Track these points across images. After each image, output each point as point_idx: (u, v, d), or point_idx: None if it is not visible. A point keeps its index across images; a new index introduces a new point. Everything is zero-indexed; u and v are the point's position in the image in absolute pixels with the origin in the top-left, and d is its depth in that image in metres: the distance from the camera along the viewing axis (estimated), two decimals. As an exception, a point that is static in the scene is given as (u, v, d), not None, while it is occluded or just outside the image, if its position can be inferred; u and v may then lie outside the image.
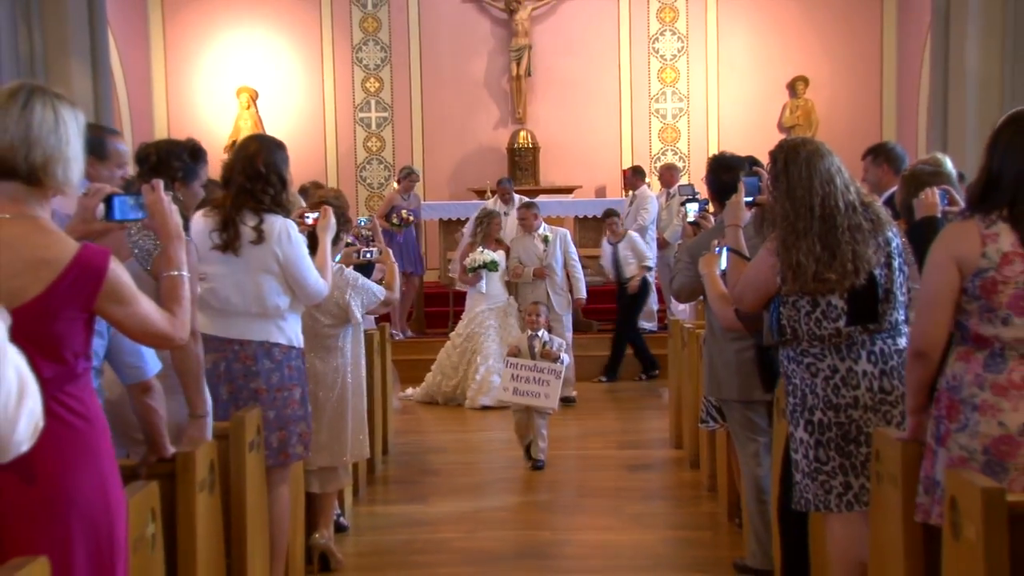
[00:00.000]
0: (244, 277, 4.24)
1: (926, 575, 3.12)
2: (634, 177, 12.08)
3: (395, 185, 12.01)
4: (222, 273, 4.24)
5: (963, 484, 2.72)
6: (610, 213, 11.11)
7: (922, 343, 3.05)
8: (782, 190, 3.66)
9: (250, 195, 4.24)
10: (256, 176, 4.24)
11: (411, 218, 11.36)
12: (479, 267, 9.67)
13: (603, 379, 10.82)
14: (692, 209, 5.81)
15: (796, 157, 3.67)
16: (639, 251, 10.73)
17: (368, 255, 5.90)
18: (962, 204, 4.06)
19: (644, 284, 10.67)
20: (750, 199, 4.23)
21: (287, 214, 4.35)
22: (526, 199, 11.28)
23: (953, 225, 3.03)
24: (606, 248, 11.05)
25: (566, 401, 8.95)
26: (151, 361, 3.24)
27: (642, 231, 11.64)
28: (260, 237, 4.21)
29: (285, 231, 4.26)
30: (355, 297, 5.17)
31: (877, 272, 3.61)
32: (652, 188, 12.42)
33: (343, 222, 5.12)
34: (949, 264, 2.95)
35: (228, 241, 4.22)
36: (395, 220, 11.12)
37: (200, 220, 4.27)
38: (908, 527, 3.15)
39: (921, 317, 3.06)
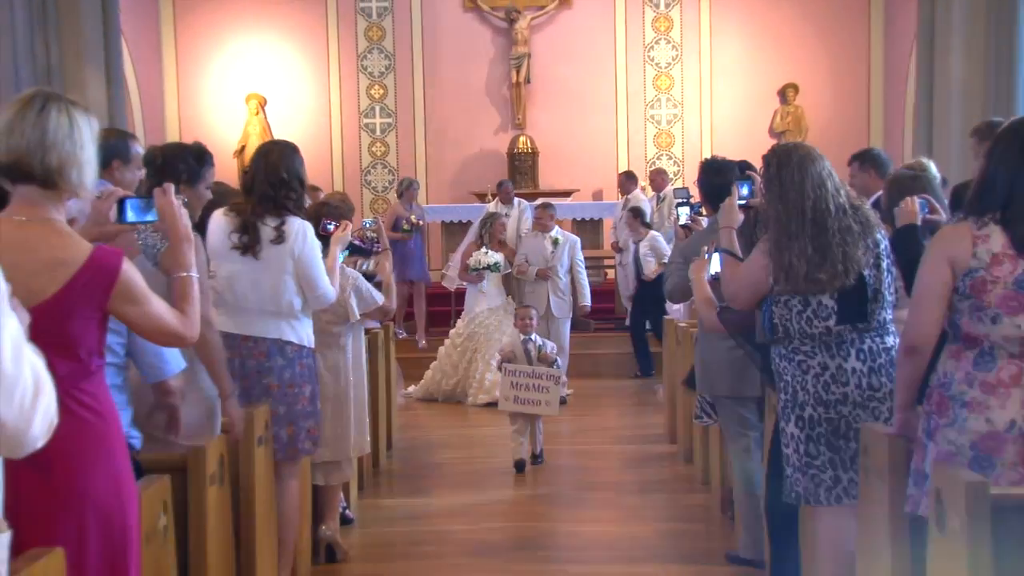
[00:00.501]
0: (262, 276, 4.25)
1: (912, 566, 3.11)
2: (627, 181, 12.06)
3: (397, 198, 11.77)
4: (240, 271, 4.25)
5: (948, 477, 2.72)
6: (636, 213, 10.84)
7: (914, 339, 3.04)
8: (775, 193, 3.66)
9: (273, 201, 4.25)
10: (280, 183, 4.26)
11: (420, 222, 11.20)
12: (483, 269, 9.64)
13: (639, 374, 10.81)
14: (684, 212, 5.82)
15: (788, 161, 3.66)
16: (659, 250, 10.50)
17: (365, 266, 5.81)
18: (943, 212, 4.06)
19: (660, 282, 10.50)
20: (743, 202, 4.23)
21: (306, 217, 4.38)
22: (525, 201, 11.26)
23: (947, 227, 3.03)
24: (630, 247, 10.98)
25: (560, 401, 8.89)
26: (172, 361, 3.26)
27: (638, 233, 11.61)
28: (281, 237, 4.23)
29: (303, 232, 4.28)
30: (353, 295, 5.17)
31: (866, 273, 3.61)
32: (646, 192, 12.44)
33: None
34: (942, 263, 2.95)
35: (248, 245, 4.23)
36: (405, 226, 10.95)
37: (221, 219, 4.29)
38: (895, 519, 3.15)
39: (914, 314, 3.06)
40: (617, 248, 11.87)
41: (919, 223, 3.88)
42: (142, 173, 3.80)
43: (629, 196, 11.85)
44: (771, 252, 3.62)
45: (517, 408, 7.00)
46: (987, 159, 2.97)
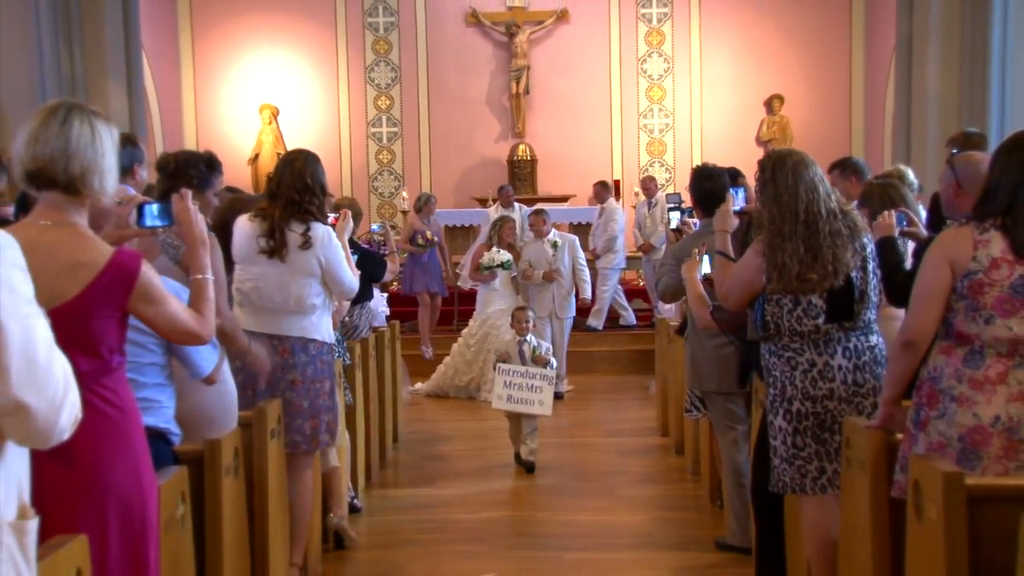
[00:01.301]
0: (288, 279, 4.26)
1: (892, 552, 3.11)
2: (602, 191, 11.94)
3: (414, 212, 11.63)
4: (266, 274, 4.25)
5: (925, 468, 2.71)
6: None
7: (912, 334, 3.02)
8: (769, 196, 3.65)
9: (298, 207, 4.26)
10: (304, 189, 4.27)
11: (435, 239, 11.13)
12: (496, 266, 9.61)
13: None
14: (675, 217, 5.81)
15: (783, 166, 3.65)
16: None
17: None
18: (921, 226, 4.05)
19: None
20: (738, 208, 4.23)
21: (327, 221, 4.40)
22: (524, 206, 11.22)
23: (950, 229, 3.02)
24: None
25: (556, 396, 8.83)
26: (207, 359, 3.28)
27: (612, 240, 11.57)
28: (308, 243, 4.24)
29: (327, 237, 4.30)
30: None
31: (854, 274, 3.60)
32: (638, 198, 12.42)
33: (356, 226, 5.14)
34: (943, 264, 2.93)
35: (275, 248, 4.23)
36: (420, 241, 10.88)
37: (247, 224, 4.29)
38: (876, 508, 3.14)
39: (914, 310, 3.04)
40: (595, 255, 11.82)
41: (896, 235, 3.87)
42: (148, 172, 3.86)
43: (604, 205, 11.78)
44: (765, 252, 3.61)
45: (510, 407, 6.78)
46: (991, 168, 2.96)
